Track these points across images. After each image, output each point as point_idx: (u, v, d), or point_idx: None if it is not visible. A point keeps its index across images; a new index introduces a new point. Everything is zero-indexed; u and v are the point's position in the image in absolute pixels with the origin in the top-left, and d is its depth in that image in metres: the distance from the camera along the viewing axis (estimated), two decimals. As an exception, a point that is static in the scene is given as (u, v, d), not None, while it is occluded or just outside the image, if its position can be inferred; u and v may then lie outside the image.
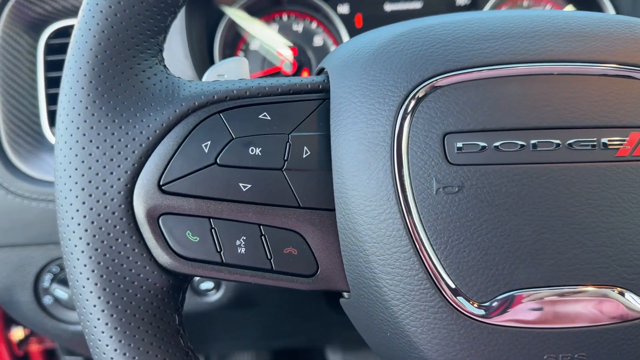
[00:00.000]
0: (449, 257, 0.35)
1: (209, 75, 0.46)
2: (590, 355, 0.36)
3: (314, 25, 0.86)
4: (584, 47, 0.37)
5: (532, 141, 0.36)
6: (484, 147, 0.36)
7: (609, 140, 0.36)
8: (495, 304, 0.35)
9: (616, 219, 0.35)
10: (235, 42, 0.85)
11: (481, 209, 0.35)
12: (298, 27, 0.86)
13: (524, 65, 0.36)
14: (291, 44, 0.84)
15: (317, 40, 0.86)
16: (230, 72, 0.46)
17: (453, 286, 0.35)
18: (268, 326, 0.95)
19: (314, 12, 0.85)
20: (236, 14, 0.83)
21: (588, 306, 0.36)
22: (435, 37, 0.38)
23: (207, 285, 0.75)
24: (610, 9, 0.83)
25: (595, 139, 0.36)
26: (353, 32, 0.84)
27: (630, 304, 0.36)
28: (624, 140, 0.36)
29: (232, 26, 0.84)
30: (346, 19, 0.85)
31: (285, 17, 0.86)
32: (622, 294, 0.35)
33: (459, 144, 0.36)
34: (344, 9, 0.85)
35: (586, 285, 0.35)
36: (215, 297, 0.75)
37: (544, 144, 0.36)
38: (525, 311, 0.35)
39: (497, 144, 0.36)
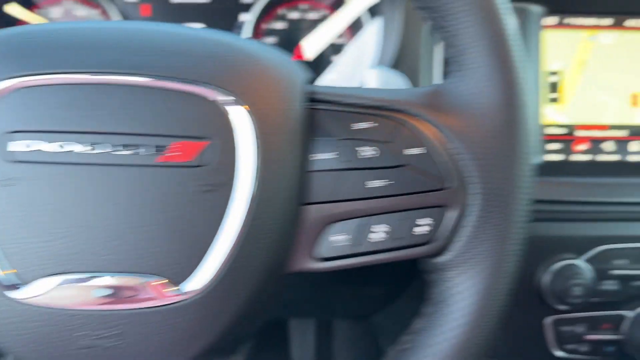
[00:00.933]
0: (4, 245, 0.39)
1: None
2: (120, 334, 0.40)
3: (98, 12, 0.90)
4: (128, 59, 0.40)
5: (84, 144, 0.39)
6: (37, 147, 0.39)
7: (153, 147, 0.40)
8: (35, 286, 0.39)
9: (155, 216, 0.39)
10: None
11: (31, 202, 0.39)
12: (82, 13, 0.90)
13: (81, 74, 0.39)
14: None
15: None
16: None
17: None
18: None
19: (97, -1, 0.89)
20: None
21: (120, 291, 0.40)
22: (25, 41, 0.41)
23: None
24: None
25: (140, 144, 0.39)
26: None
27: (164, 292, 0.40)
28: (165, 147, 0.40)
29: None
30: (132, 8, 0.89)
31: (69, 3, 0.90)
32: (153, 282, 0.40)
33: (17, 142, 0.39)
34: (130, -3, 0.89)
35: (122, 272, 0.40)
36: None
37: (95, 146, 0.39)
38: (63, 294, 0.39)
39: (49, 144, 0.39)
